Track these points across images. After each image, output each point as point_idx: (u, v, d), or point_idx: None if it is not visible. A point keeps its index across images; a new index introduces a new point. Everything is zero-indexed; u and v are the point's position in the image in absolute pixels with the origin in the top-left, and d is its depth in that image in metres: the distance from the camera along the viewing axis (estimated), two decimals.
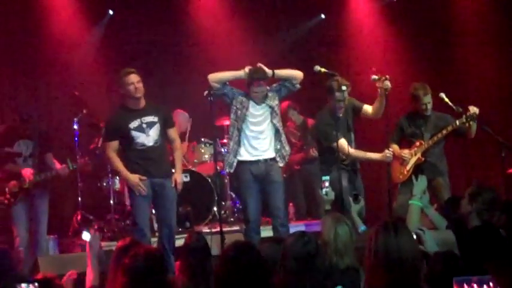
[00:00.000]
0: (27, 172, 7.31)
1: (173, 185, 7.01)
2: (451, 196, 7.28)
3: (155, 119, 6.97)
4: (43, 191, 7.55)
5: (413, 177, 5.61)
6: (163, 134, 7.02)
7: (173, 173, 7.12)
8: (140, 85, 6.89)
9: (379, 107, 7.37)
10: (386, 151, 7.28)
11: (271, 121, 7.15)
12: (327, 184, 6.09)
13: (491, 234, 4.72)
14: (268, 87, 7.18)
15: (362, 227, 5.83)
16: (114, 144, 6.96)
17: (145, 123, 6.92)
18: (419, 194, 5.27)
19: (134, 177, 6.85)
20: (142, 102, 6.97)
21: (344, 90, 7.19)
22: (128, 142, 6.91)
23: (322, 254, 4.12)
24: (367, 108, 7.51)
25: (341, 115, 7.41)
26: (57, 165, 7.55)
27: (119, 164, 6.94)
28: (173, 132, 7.20)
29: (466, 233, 4.85)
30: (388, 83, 7.14)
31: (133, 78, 6.87)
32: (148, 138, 6.90)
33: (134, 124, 6.89)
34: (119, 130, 6.94)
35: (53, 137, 8.02)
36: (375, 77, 7.24)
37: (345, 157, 7.33)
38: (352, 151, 7.36)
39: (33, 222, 7.48)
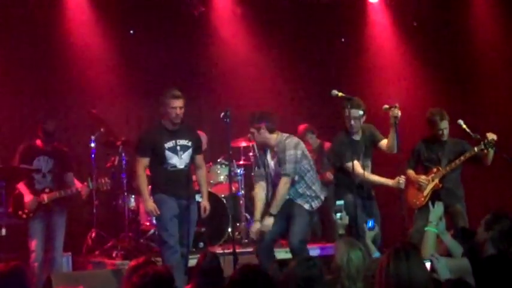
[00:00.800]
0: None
1: (203, 211, 7.12)
2: (463, 226, 7.24)
3: (189, 143, 7.03)
4: (62, 208, 7.63)
5: (429, 204, 5.56)
6: (192, 158, 7.08)
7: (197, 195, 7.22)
8: (182, 111, 6.92)
9: (391, 140, 7.37)
10: (399, 178, 7.28)
11: None
12: (341, 208, 6.06)
13: (507, 264, 4.67)
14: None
15: (376, 254, 5.80)
16: (146, 161, 6.97)
17: (180, 145, 6.97)
18: (436, 221, 5.23)
19: (152, 205, 6.88)
20: (178, 124, 7.01)
21: (359, 111, 7.28)
22: (160, 161, 6.94)
23: (322, 279, 4.10)
24: (384, 143, 7.54)
25: (358, 139, 7.42)
26: (78, 184, 7.62)
27: (144, 186, 6.98)
28: (201, 159, 7.29)
29: (481, 262, 4.81)
30: (397, 111, 7.17)
31: (178, 103, 6.90)
32: (181, 161, 6.96)
33: (169, 144, 6.93)
34: (153, 148, 6.95)
35: (73, 156, 8.05)
36: (386, 106, 7.31)
37: (359, 181, 7.31)
38: (367, 174, 7.37)
39: (50, 238, 7.55)
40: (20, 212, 7.43)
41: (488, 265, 4.75)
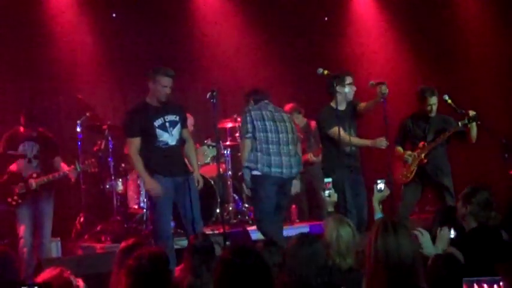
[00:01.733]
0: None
1: (196, 184, 6.97)
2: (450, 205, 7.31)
3: (177, 118, 6.88)
4: (49, 194, 7.60)
5: (439, 230, 5.11)
6: (181, 133, 6.97)
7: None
8: (169, 91, 6.80)
9: (370, 106, 7.52)
10: (380, 138, 7.30)
11: None
12: (329, 186, 6.07)
13: (487, 236, 4.71)
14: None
15: (379, 215, 5.79)
16: (137, 141, 6.76)
17: (168, 121, 6.82)
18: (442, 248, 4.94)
19: (153, 183, 6.73)
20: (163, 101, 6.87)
21: (349, 84, 7.39)
22: (151, 140, 6.76)
23: (324, 255, 4.13)
24: (362, 104, 7.60)
25: (343, 109, 7.45)
26: (65, 168, 7.59)
27: (140, 165, 6.77)
28: (187, 132, 7.14)
29: (463, 236, 4.84)
30: (384, 88, 7.22)
31: (169, 83, 6.78)
32: (172, 137, 6.81)
33: (158, 122, 6.76)
34: (143, 127, 6.76)
35: (59, 141, 8.01)
36: (372, 82, 7.37)
37: (347, 153, 7.34)
38: (353, 138, 7.39)
39: (38, 224, 7.52)
40: (9, 200, 7.40)
41: (470, 239, 4.79)
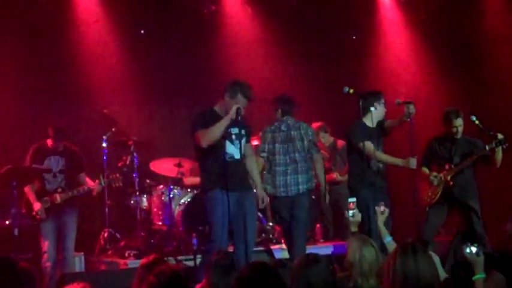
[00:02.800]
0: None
1: (260, 202, 6.87)
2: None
3: (243, 132, 6.69)
4: (73, 209, 7.61)
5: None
6: (245, 148, 6.76)
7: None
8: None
9: (395, 124, 7.51)
10: (410, 157, 7.17)
11: None
12: (353, 206, 6.01)
13: None
14: None
15: (388, 238, 5.77)
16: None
17: (234, 134, 6.62)
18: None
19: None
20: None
21: (383, 103, 7.39)
22: (215, 150, 6.51)
23: (328, 274, 4.09)
24: (388, 122, 7.57)
25: (372, 126, 7.41)
26: (90, 183, 7.61)
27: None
28: (250, 148, 7.00)
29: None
30: (412, 108, 7.17)
31: (244, 104, 6.52)
32: (237, 150, 6.58)
33: (223, 132, 6.50)
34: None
35: (84, 156, 8.02)
36: (398, 100, 7.33)
37: (375, 170, 7.29)
38: (378, 153, 7.29)
39: (62, 238, 7.52)
40: (34, 213, 7.42)
41: None
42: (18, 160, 7.65)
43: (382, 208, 5.97)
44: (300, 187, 7.34)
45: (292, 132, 7.41)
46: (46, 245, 7.42)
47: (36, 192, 7.47)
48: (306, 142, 7.43)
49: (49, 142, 7.60)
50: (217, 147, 6.51)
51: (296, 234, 7.31)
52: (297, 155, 7.38)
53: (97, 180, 7.61)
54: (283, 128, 7.44)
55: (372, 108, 7.29)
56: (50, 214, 7.44)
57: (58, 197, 7.44)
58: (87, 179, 7.70)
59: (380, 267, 4.57)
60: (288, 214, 7.33)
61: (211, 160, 6.58)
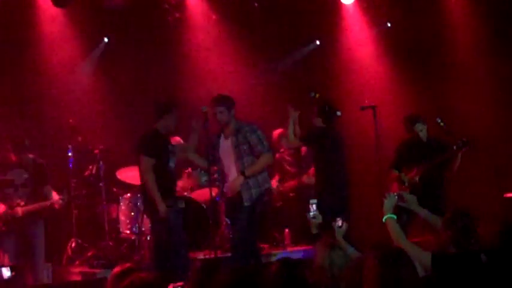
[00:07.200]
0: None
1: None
2: None
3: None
4: (37, 219, 7.43)
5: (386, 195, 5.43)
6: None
7: None
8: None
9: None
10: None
11: None
12: (314, 207, 5.98)
13: (467, 262, 4.66)
14: None
15: (350, 249, 5.78)
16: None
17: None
18: (389, 211, 5.18)
19: None
20: None
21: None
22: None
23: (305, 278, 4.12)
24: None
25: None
26: (55, 197, 7.41)
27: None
28: None
29: (442, 260, 4.79)
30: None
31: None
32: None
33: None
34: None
35: (49, 168, 7.87)
36: (363, 106, 7.49)
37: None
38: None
39: (29, 251, 7.34)
40: None
41: (449, 264, 4.73)
42: None
43: (339, 222, 5.94)
44: None
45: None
46: (4, 257, 7.20)
47: None
48: None
49: (11, 155, 7.40)
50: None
51: None
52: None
53: (60, 196, 7.45)
54: None
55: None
56: (12, 227, 7.29)
57: (19, 211, 7.24)
58: (53, 192, 7.51)
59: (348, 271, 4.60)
60: None
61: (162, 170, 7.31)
